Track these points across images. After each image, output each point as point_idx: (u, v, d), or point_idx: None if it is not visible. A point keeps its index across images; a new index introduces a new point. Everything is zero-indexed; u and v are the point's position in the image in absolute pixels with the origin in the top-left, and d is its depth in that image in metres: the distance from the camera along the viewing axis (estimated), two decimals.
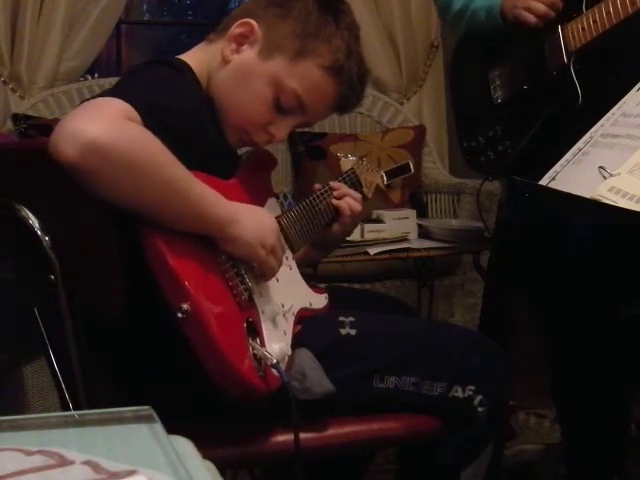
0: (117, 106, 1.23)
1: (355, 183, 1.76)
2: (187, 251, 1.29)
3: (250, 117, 1.49)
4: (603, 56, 1.84)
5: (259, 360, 1.31)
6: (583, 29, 1.83)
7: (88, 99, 1.31)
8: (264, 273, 1.41)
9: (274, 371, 1.32)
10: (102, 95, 1.37)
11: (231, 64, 1.48)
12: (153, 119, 1.27)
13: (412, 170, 1.90)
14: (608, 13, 1.76)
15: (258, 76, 1.47)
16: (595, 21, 1.79)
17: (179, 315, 1.24)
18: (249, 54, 1.48)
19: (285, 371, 1.35)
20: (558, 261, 1.90)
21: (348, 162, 1.80)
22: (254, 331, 1.34)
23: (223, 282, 1.34)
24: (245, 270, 1.38)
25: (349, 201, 1.67)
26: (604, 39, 1.80)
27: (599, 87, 1.81)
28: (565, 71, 1.88)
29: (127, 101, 1.24)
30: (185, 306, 1.24)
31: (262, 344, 1.35)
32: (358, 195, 1.70)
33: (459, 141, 2.23)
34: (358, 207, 1.68)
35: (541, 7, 1.91)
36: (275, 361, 1.31)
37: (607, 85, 1.81)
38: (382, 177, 1.85)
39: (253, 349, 1.32)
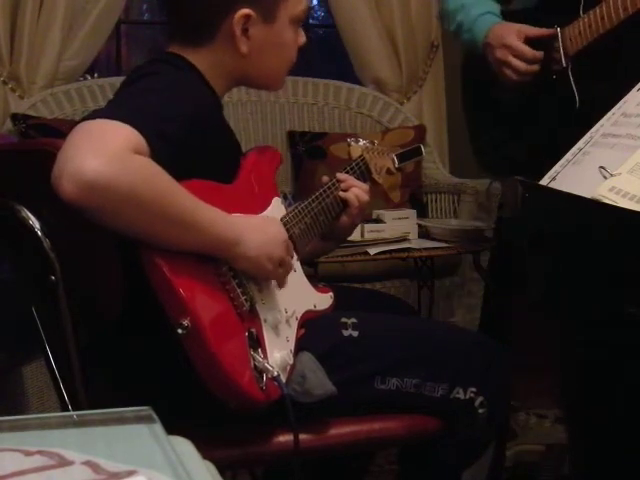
0: (122, 135, 1.20)
1: (364, 171, 1.75)
2: (186, 265, 1.28)
3: (292, 58, 1.58)
4: (600, 60, 1.84)
5: (260, 372, 1.31)
6: (579, 33, 1.83)
7: (96, 111, 1.29)
8: (275, 282, 1.42)
9: (275, 383, 1.32)
10: (109, 103, 1.37)
11: (251, 51, 1.49)
12: (160, 137, 1.26)
13: (424, 153, 1.89)
14: (602, 18, 1.76)
15: (280, 35, 1.52)
16: (590, 25, 1.80)
17: (179, 331, 1.24)
18: (259, 30, 1.49)
19: (286, 381, 1.35)
20: (558, 261, 1.90)
21: (358, 148, 1.79)
22: (256, 341, 1.34)
23: (223, 294, 1.33)
24: (247, 279, 1.38)
25: (356, 192, 1.67)
26: (601, 43, 1.80)
27: (596, 91, 1.80)
28: (564, 75, 1.88)
29: (132, 122, 1.21)
30: (185, 322, 1.24)
31: (264, 354, 1.35)
32: (365, 186, 1.70)
33: (470, 139, 2.23)
34: (365, 198, 1.68)
35: (521, 65, 1.91)
36: (276, 373, 1.31)
37: (604, 89, 1.81)
38: (393, 160, 1.84)
39: (254, 361, 1.32)
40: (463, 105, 2.32)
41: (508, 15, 2.03)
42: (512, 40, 1.93)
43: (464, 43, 2.11)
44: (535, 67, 1.92)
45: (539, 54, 1.92)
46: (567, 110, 1.87)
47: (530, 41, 1.94)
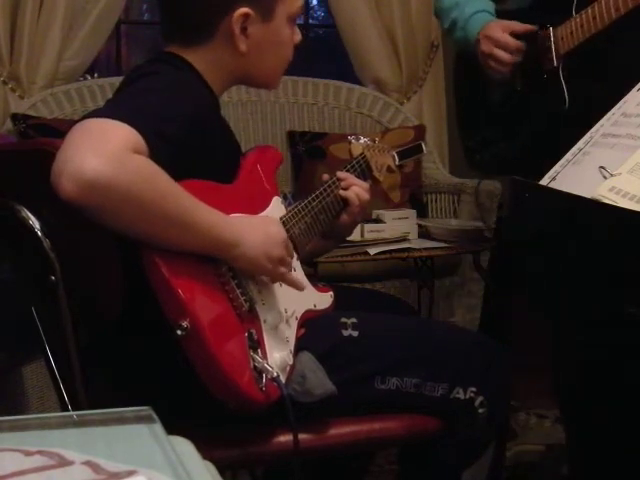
0: (121, 135, 1.20)
1: (365, 169, 1.75)
2: (185, 265, 1.28)
3: (289, 56, 1.59)
4: (592, 59, 1.84)
5: (260, 372, 1.31)
6: (571, 33, 1.84)
7: (95, 110, 1.30)
8: (273, 281, 1.42)
9: (274, 383, 1.32)
10: (109, 103, 1.37)
11: (250, 49, 1.49)
12: (160, 137, 1.26)
13: (424, 151, 1.89)
14: (594, 18, 1.77)
15: (278, 34, 1.53)
16: (582, 25, 1.80)
17: (178, 332, 1.24)
18: (257, 29, 1.50)
19: (286, 381, 1.35)
20: (558, 261, 1.90)
21: (358, 146, 1.80)
22: (255, 342, 1.34)
23: (223, 295, 1.33)
24: (246, 279, 1.38)
25: (357, 190, 1.67)
26: (593, 43, 1.80)
27: (587, 91, 1.81)
28: (555, 74, 1.89)
29: (132, 122, 1.21)
30: (184, 323, 1.24)
31: (263, 355, 1.34)
32: (365, 184, 1.70)
33: (461, 139, 2.24)
34: (366, 196, 1.68)
35: (505, 56, 1.92)
36: (276, 374, 1.31)
37: (595, 89, 1.80)
38: (393, 157, 1.84)
39: (254, 361, 1.32)
40: (455, 104, 2.33)
41: (503, 14, 2.04)
42: (495, 32, 1.94)
43: (457, 41, 2.11)
44: (517, 57, 1.93)
45: (521, 44, 1.92)
46: (558, 109, 1.88)
47: (520, 38, 1.95)
